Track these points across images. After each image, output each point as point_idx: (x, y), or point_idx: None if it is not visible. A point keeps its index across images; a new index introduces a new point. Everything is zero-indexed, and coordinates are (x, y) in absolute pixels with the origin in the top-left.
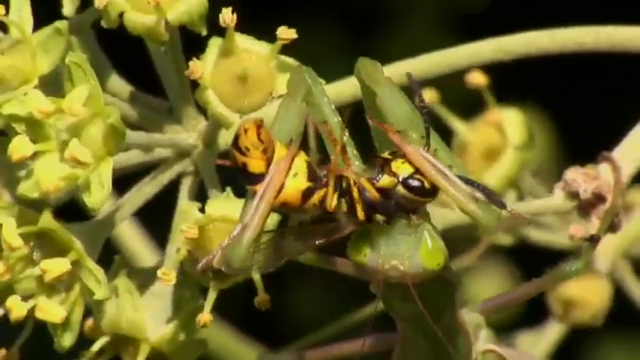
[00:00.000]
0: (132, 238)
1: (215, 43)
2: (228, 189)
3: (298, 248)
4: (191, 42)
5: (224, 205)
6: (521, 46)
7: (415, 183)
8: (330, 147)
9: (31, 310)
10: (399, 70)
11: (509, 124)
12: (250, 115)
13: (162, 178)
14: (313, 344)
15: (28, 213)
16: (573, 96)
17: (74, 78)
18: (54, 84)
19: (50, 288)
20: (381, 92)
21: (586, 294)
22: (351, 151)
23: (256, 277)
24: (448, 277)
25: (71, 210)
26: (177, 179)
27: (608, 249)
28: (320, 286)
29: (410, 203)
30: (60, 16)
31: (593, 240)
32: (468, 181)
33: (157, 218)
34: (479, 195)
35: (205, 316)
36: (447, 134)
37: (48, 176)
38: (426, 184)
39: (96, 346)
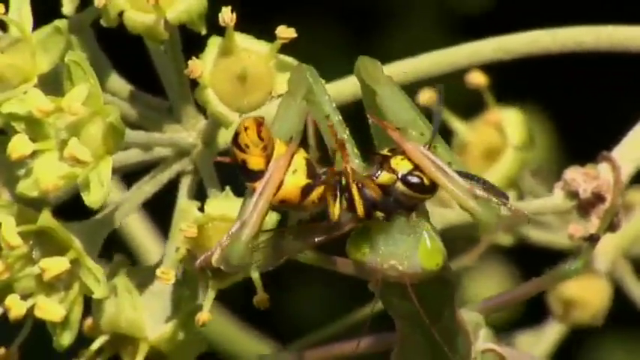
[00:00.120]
0: (139, 233)
1: (214, 42)
2: (228, 188)
3: (297, 247)
4: (191, 41)
5: (223, 204)
6: (521, 46)
7: (414, 179)
8: (331, 145)
9: (30, 309)
10: (399, 69)
11: (509, 124)
12: (250, 114)
13: (162, 177)
14: (313, 344)
15: (28, 212)
16: (573, 96)
17: (74, 77)
18: (53, 83)
19: (49, 287)
20: (381, 91)
21: (586, 294)
22: (352, 150)
23: (255, 276)
24: (447, 277)
25: (71, 208)
26: (176, 178)
27: (608, 249)
28: (320, 284)
29: (409, 200)
30: (59, 15)
31: (593, 240)
32: (467, 176)
33: (156, 217)
34: (479, 192)
35: (204, 315)
36: (447, 134)
37: (47, 175)
38: (426, 181)
39: (95, 345)
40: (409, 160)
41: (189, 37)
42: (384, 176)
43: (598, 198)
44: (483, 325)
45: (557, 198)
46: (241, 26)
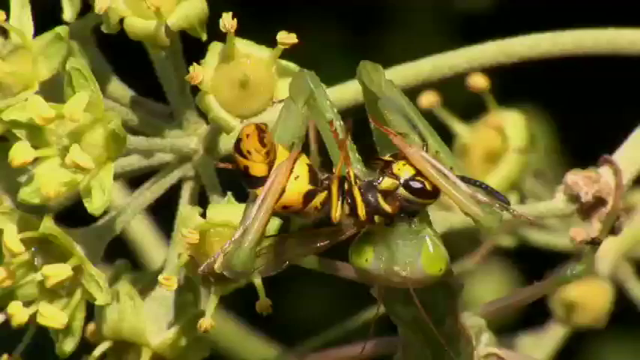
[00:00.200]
0: (142, 238)
1: (215, 48)
2: (230, 194)
3: (300, 252)
4: (192, 47)
5: (225, 210)
6: (522, 49)
7: (417, 184)
8: (332, 150)
9: (33, 316)
10: (400, 73)
11: (510, 127)
12: (251, 120)
13: (164, 183)
14: (316, 347)
15: (29, 218)
16: (574, 98)
17: (75, 84)
18: (55, 89)
19: (52, 293)
20: (383, 96)
21: (588, 296)
22: (353, 156)
23: (258, 282)
24: (450, 282)
25: (72, 215)
26: (178, 184)
27: (610, 251)
28: (323, 286)
29: (412, 205)
30: (60, 22)
31: (595, 243)
32: (469, 181)
33: (159, 223)
34: (481, 196)
35: (207, 321)
36: (448, 137)
37: (49, 182)
38: (428, 186)
39: (97, 351)
40: (411, 165)
41: (190, 42)
42: (386, 181)
43: (599, 201)
44: (486, 329)
45: (558, 201)
46: (242, 30)
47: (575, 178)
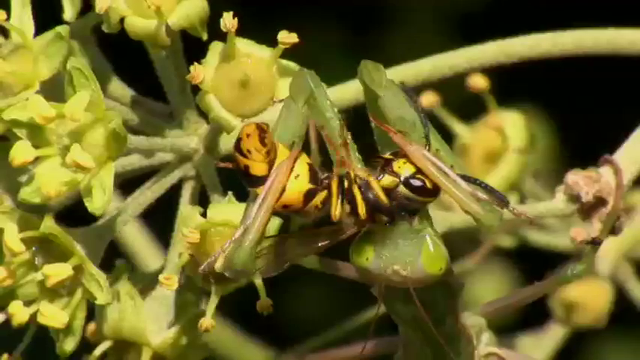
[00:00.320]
0: (137, 240)
1: (216, 48)
2: (230, 193)
3: (301, 252)
4: (193, 46)
5: (226, 209)
6: (522, 49)
7: (417, 183)
8: (332, 149)
9: (34, 315)
10: (400, 73)
11: (510, 127)
12: (252, 119)
13: (164, 183)
14: (315, 347)
15: (30, 218)
16: (574, 98)
17: (75, 83)
18: (56, 89)
19: (52, 293)
20: (384, 95)
21: (588, 297)
22: (354, 154)
23: (258, 281)
24: (450, 282)
25: (73, 214)
26: (179, 184)
27: (610, 251)
28: (322, 286)
29: (412, 203)
30: (61, 21)
31: (595, 243)
32: (470, 180)
33: (160, 222)
34: (481, 195)
35: (207, 320)
36: (448, 137)
37: (49, 181)
38: (428, 184)
39: (98, 351)
40: (412, 163)
41: (191, 42)
42: (386, 179)
43: (600, 201)
44: (486, 328)
45: (558, 201)
46: (242, 29)
47: (576, 178)
